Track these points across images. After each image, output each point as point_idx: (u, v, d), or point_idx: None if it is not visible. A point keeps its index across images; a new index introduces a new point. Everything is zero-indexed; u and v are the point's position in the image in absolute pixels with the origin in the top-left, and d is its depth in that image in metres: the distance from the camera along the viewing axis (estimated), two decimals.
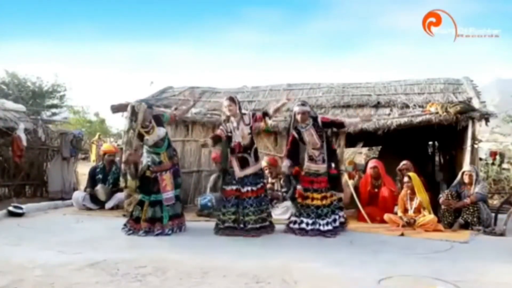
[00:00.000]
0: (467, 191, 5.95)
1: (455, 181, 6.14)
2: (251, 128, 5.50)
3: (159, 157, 5.36)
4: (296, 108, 5.48)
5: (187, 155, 8.28)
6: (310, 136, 5.47)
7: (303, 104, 5.57)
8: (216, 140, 5.39)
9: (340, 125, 5.83)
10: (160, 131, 5.35)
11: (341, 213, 5.52)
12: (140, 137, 5.31)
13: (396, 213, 6.07)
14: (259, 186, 5.46)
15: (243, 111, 5.74)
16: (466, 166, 6.33)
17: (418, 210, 5.90)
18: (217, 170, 6.43)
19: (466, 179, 5.97)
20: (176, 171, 5.52)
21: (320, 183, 5.47)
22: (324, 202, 5.41)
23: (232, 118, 5.44)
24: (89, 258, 3.87)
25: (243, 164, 5.45)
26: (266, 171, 7.04)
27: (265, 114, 5.64)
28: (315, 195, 5.45)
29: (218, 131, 5.51)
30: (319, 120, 5.52)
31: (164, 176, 5.33)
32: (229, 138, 5.43)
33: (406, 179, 6.01)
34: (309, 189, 5.49)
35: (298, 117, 5.42)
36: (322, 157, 5.50)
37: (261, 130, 7.32)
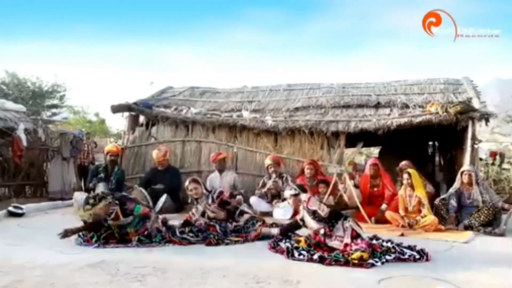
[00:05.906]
0: (466, 192, 5.91)
1: (455, 184, 6.06)
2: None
3: (125, 229, 4.71)
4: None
5: (187, 155, 8.29)
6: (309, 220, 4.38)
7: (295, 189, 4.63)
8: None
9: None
10: (126, 220, 4.71)
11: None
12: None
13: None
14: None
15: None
16: (466, 165, 6.31)
17: (417, 208, 5.88)
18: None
19: (465, 179, 5.91)
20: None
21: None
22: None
23: None
24: (89, 258, 3.87)
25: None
26: (271, 170, 7.02)
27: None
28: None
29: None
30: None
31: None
32: None
33: (405, 176, 5.95)
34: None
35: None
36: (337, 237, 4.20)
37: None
